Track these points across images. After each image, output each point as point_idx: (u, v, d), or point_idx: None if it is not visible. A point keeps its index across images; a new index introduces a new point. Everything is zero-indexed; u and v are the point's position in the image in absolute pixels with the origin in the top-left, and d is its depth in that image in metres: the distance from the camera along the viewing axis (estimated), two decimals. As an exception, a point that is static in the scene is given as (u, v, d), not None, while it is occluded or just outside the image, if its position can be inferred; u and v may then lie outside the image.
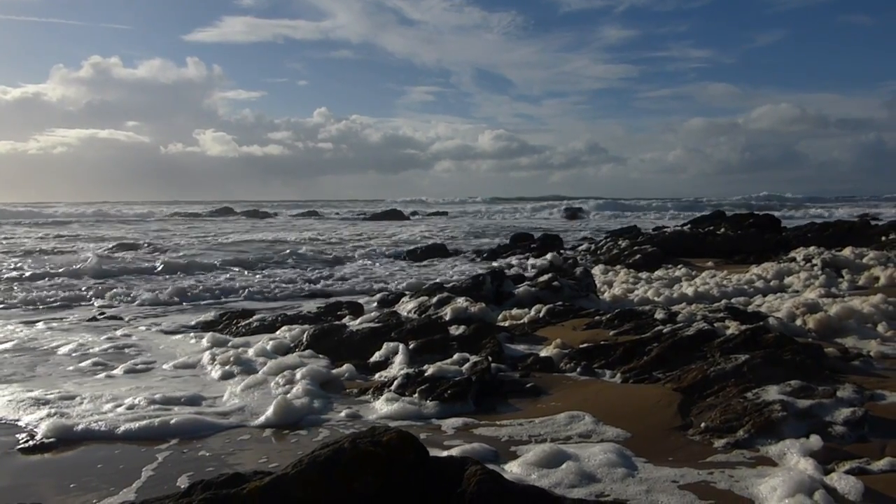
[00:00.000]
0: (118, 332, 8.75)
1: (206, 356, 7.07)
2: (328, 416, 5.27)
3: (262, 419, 5.11)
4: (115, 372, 6.73)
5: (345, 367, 6.48)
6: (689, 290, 10.44)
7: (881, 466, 3.84)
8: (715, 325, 6.86)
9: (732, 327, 6.76)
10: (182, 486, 3.65)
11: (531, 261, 16.31)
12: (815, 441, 4.12)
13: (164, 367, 6.96)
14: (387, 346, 6.95)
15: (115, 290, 12.25)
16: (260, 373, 6.28)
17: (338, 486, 2.72)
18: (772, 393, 4.84)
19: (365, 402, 5.63)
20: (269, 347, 7.26)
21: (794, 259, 13.66)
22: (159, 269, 15.48)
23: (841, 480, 3.61)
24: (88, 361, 7.14)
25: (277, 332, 7.98)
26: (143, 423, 4.98)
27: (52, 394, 5.75)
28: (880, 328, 7.29)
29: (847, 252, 13.87)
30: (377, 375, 6.41)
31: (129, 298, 11.67)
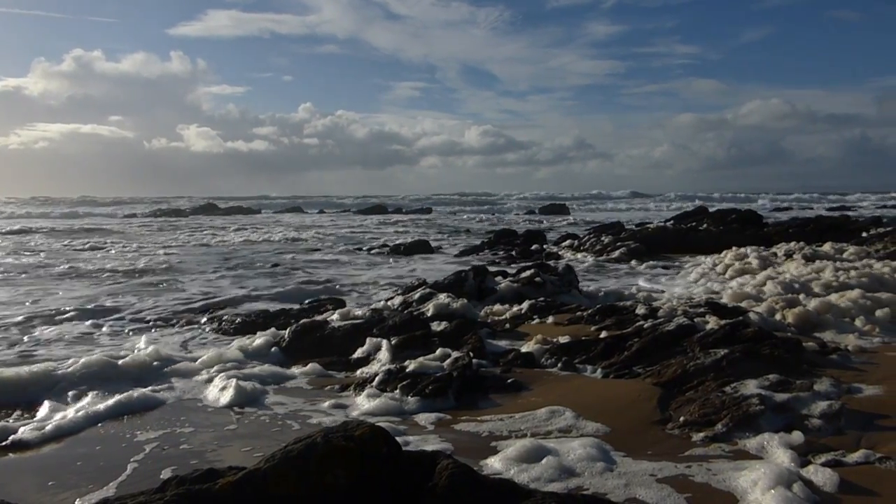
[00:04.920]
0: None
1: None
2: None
3: (224, 401, 5.44)
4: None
5: (309, 366, 6.51)
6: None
7: (856, 458, 3.89)
8: (695, 320, 6.90)
9: (712, 322, 6.81)
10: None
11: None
12: (796, 436, 4.16)
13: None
14: (370, 342, 6.94)
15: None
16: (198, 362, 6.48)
17: (310, 481, 2.70)
18: (750, 387, 4.89)
19: (347, 397, 5.63)
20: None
21: (775, 254, 13.77)
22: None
23: (817, 473, 3.65)
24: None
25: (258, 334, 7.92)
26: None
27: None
28: (858, 322, 7.37)
29: (827, 247, 14.00)
30: (359, 372, 6.41)
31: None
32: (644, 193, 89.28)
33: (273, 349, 7.12)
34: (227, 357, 6.66)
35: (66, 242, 23.71)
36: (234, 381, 5.69)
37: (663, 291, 10.66)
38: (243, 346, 7.13)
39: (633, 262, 15.55)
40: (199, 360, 6.56)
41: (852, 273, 9.21)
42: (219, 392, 5.64)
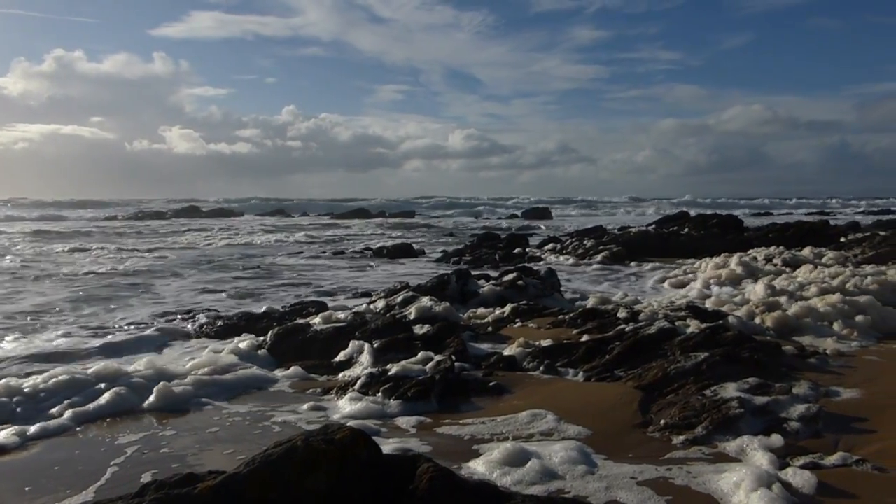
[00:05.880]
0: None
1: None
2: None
3: (146, 403, 5.46)
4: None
5: (291, 369, 6.49)
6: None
7: (834, 461, 3.93)
8: (676, 323, 6.95)
9: (693, 326, 6.86)
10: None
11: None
12: (775, 439, 4.20)
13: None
14: (352, 346, 6.93)
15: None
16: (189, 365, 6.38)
17: (290, 485, 2.69)
18: (730, 390, 4.92)
19: (329, 401, 5.62)
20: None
21: (755, 258, 13.90)
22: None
23: (795, 475, 3.69)
24: None
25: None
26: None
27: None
28: (836, 326, 7.44)
29: (806, 252, 14.16)
30: (341, 375, 6.39)
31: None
32: (639, 198, 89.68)
33: (261, 352, 7.09)
34: (222, 362, 6.51)
35: (43, 245, 23.47)
36: (162, 383, 5.66)
37: (644, 296, 10.72)
38: (234, 349, 7.07)
39: (615, 266, 15.65)
40: (190, 364, 6.42)
41: (868, 279, 9.29)
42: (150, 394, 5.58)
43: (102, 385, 5.66)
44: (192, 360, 6.66)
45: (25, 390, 5.56)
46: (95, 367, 6.14)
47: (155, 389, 5.57)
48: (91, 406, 5.29)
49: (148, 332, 8.64)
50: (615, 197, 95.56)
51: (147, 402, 5.46)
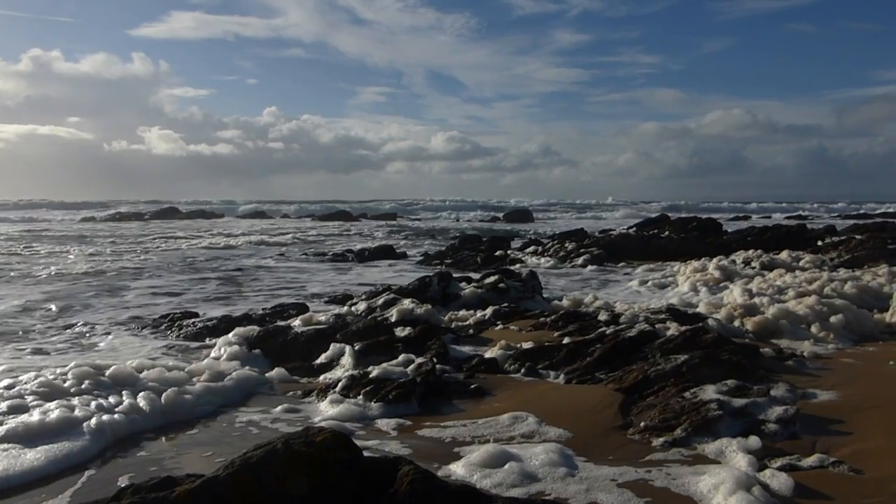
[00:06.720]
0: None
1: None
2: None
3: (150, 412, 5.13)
4: None
5: (275, 371, 6.45)
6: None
7: (811, 463, 3.96)
8: (656, 326, 6.98)
9: (673, 328, 6.90)
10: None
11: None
12: (753, 441, 4.23)
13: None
14: (333, 348, 6.90)
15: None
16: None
17: (270, 488, 2.67)
18: (709, 392, 4.95)
19: (309, 403, 5.59)
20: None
21: (734, 261, 14.02)
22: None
23: (773, 477, 3.71)
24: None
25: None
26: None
27: None
28: (813, 329, 7.51)
29: (784, 255, 14.31)
30: (322, 377, 6.37)
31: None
32: (625, 202, 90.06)
33: (255, 351, 7.03)
34: (220, 367, 6.35)
35: (20, 246, 23.18)
36: (172, 390, 5.42)
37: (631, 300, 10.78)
38: (231, 354, 6.99)
39: (597, 269, 15.74)
40: (187, 369, 6.22)
41: (848, 285, 9.38)
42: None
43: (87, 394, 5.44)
44: (190, 365, 6.56)
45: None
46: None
47: (163, 396, 5.28)
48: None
49: (126, 335, 8.57)
50: (597, 199, 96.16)
51: (151, 412, 5.12)
